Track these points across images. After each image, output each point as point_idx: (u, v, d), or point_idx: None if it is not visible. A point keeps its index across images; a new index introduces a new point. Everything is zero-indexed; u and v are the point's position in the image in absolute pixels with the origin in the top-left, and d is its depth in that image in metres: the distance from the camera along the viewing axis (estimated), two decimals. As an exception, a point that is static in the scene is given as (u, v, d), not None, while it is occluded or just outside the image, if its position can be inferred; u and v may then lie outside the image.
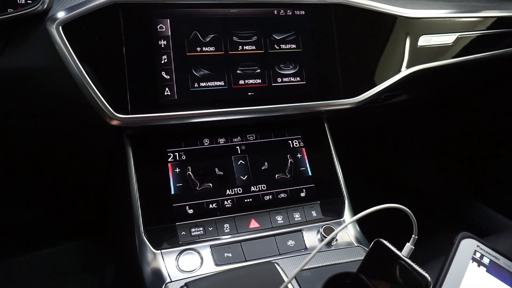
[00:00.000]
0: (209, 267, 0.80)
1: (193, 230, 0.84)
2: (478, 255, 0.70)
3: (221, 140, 0.92)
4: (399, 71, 0.99)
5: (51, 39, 0.74)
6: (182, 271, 0.78)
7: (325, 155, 0.98)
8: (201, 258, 0.81)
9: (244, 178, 0.91)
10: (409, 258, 0.62)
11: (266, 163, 0.93)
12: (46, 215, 1.44)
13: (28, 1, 0.75)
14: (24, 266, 1.30)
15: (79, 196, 1.45)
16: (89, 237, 1.40)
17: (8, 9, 0.73)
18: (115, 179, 1.05)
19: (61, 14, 0.75)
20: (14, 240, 1.35)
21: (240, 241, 0.84)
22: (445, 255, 0.71)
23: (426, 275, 0.58)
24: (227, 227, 0.86)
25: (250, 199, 0.90)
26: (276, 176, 0.93)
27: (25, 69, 0.76)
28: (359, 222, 0.93)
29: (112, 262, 1.33)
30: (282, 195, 0.92)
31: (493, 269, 0.69)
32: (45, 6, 0.74)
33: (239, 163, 0.92)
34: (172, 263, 0.79)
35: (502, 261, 0.71)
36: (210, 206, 0.87)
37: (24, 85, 0.77)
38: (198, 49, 0.84)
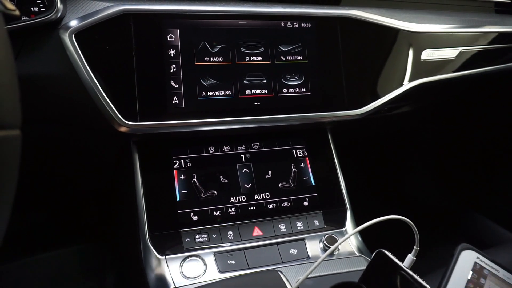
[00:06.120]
0: (213, 274, 0.81)
1: (197, 236, 0.85)
2: (478, 266, 0.71)
3: (226, 148, 0.94)
4: (402, 84, 1.01)
5: (64, 46, 0.76)
6: (186, 277, 0.79)
7: (328, 165, 1.00)
8: (205, 265, 0.81)
9: (248, 186, 0.92)
10: (410, 269, 0.63)
11: (270, 172, 0.94)
12: (48, 219, 1.45)
13: (42, 9, 0.76)
14: (25, 269, 1.30)
15: (82, 201, 1.46)
16: (90, 242, 1.40)
17: (22, 17, 0.75)
18: (120, 185, 1.06)
19: (74, 23, 0.76)
20: (17, 243, 1.36)
21: (243, 249, 0.85)
22: (445, 266, 0.72)
23: (427, 286, 0.59)
24: (230, 234, 0.87)
25: (254, 207, 0.91)
26: (280, 184, 0.94)
27: (37, 76, 0.77)
28: (361, 232, 0.93)
29: (114, 267, 1.33)
30: (286, 203, 0.93)
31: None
32: (59, 15, 0.75)
33: (243, 171, 0.93)
34: (176, 269, 0.80)
35: (501, 273, 0.72)
36: (214, 213, 0.88)
37: (35, 91, 0.78)
38: (207, 59, 0.86)
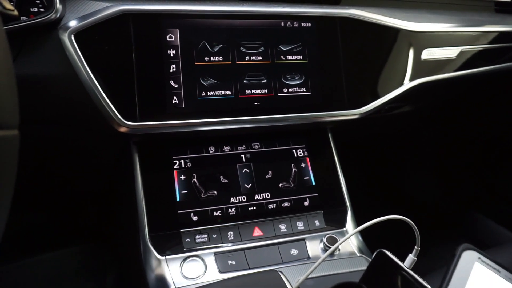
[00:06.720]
0: (213, 275, 0.80)
1: (197, 237, 0.85)
2: (479, 267, 0.71)
3: (226, 148, 0.93)
4: (402, 83, 1.01)
5: (63, 47, 0.75)
6: (186, 277, 0.79)
7: (329, 165, 0.99)
8: (205, 265, 0.81)
9: (248, 186, 0.92)
10: (411, 269, 0.63)
11: (270, 172, 0.94)
12: (48, 219, 1.45)
13: (41, 10, 0.76)
14: (25, 270, 1.30)
15: (82, 202, 1.46)
16: (90, 242, 1.40)
17: (22, 17, 0.75)
18: (120, 185, 1.06)
19: (73, 23, 0.76)
20: (16, 244, 1.36)
21: (243, 249, 0.85)
22: (446, 266, 0.72)
23: (428, 286, 0.59)
24: (231, 234, 0.87)
25: (254, 207, 0.90)
26: (280, 184, 0.94)
27: (37, 76, 0.77)
28: (362, 232, 0.93)
29: (114, 267, 1.33)
30: (286, 203, 0.93)
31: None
32: (58, 15, 0.75)
33: (243, 171, 0.93)
34: (176, 270, 0.80)
35: (503, 273, 0.71)
36: (215, 213, 0.88)
37: (35, 91, 0.78)
38: (206, 58, 0.85)
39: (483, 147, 1.62)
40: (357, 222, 0.95)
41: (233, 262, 0.83)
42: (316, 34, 0.93)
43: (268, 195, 0.92)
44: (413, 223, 0.63)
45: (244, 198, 0.90)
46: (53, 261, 1.33)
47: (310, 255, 0.87)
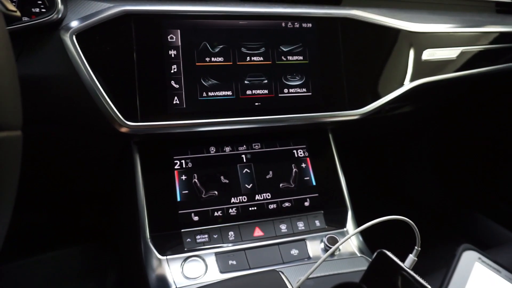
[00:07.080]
0: (214, 274, 0.81)
1: (198, 237, 0.85)
2: (479, 267, 0.71)
3: (227, 149, 0.94)
4: (403, 84, 1.01)
5: (65, 47, 0.76)
6: (187, 277, 0.79)
7: (329, 165, 1.00)
8: (206, 265, 0.82)
9: (249, 187, 0.92)
10: (411, 269, 0.63)
11: (270, 172, 0.94)
12: (49, 219, 1.45)
13: (43, 10, 0.77)
14: (25, 269, 1.30)
15: (82, 201, 1.46)
16: (91, 242, 1.40)
17: (23, 18, 0.75)
18: (121, 185, 1.06)
19: (74, 23, 0.76)
20: (17, 243, 1.36)
21: (244, 249, 0.85)
22: (446, 266, 0.72)
23: (429, 286, 0.59)
24: (231, 234, 0.87)
25: (255, 208, 0.91)
26: (281, 185, 0.94)
27: (38, 77, 0.77)
28: (362, 232, 0.93)
29: (114, 267, 1.33)
30: (286, 204, 0.93)
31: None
32: (60, 16, 0.75)
33: (244, 171, 0.93)
34: (177, 270, 0.80)
35: (503, 273, 0.72)
36: (215, 213, 0.88)
37: (36, 92, 0.78)
38: (207, 59, 0.86)
39: (484, 147, 1.62)
40: (358, 222, 0.95)
41: (234, 262, 0.83)
42: (317, 35, 0.93)
43: (268, 195, 0.92)
44: (413, 223, 0.63)
45: (244, 198, 0.91)
46: (53, 261, 1.33)
47: (311, 255, 0.87)
